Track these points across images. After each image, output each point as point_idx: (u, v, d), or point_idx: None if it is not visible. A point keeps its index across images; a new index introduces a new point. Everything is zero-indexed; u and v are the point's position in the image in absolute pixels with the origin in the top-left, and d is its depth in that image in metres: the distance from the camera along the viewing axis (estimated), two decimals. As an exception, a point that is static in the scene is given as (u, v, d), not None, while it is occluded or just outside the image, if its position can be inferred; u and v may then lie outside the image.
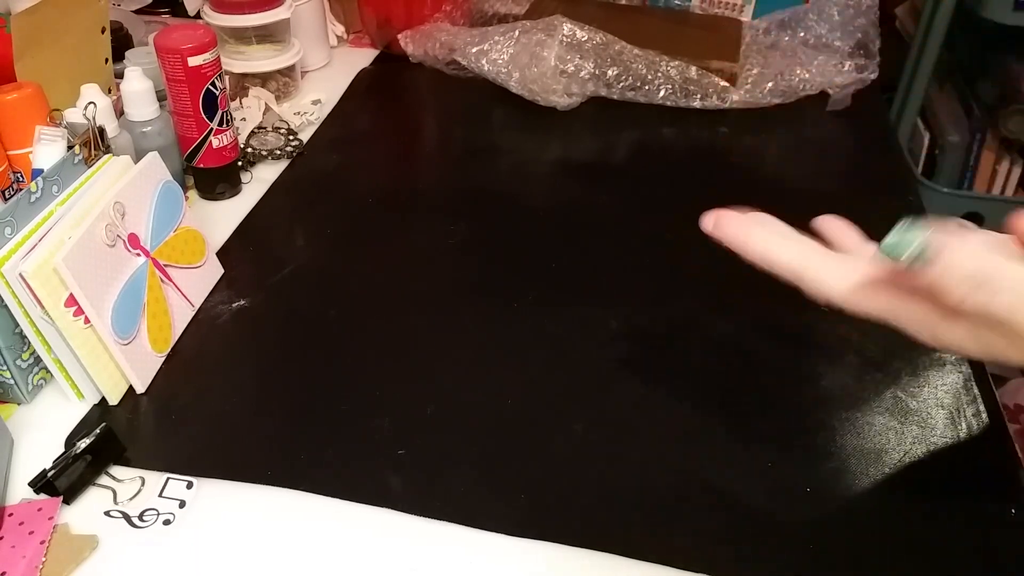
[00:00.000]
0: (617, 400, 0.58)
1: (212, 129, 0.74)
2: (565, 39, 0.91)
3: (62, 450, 0.53)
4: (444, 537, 0.49)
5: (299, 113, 0.91)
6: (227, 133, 0.76)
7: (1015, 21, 1.33)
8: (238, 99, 0.90)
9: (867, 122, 0.93)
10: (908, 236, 0.34)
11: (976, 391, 0.59)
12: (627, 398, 0.59)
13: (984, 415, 0.57)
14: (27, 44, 0.66)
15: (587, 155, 0.87)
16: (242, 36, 0.90)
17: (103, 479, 0.52)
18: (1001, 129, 1.42)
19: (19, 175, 0.65)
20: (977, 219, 1.44)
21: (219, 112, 0.74)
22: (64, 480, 0.50)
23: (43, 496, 0.51)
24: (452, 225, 0.76)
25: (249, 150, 0.83)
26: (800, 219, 0.76)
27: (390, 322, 0.65)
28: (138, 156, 0.64)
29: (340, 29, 1.07)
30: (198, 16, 0.90)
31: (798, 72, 0.93)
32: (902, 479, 0.53)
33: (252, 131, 0.86)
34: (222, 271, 0.69)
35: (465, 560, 0.48)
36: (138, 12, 1.04)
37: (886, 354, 0.62)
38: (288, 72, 0.93)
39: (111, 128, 0.68)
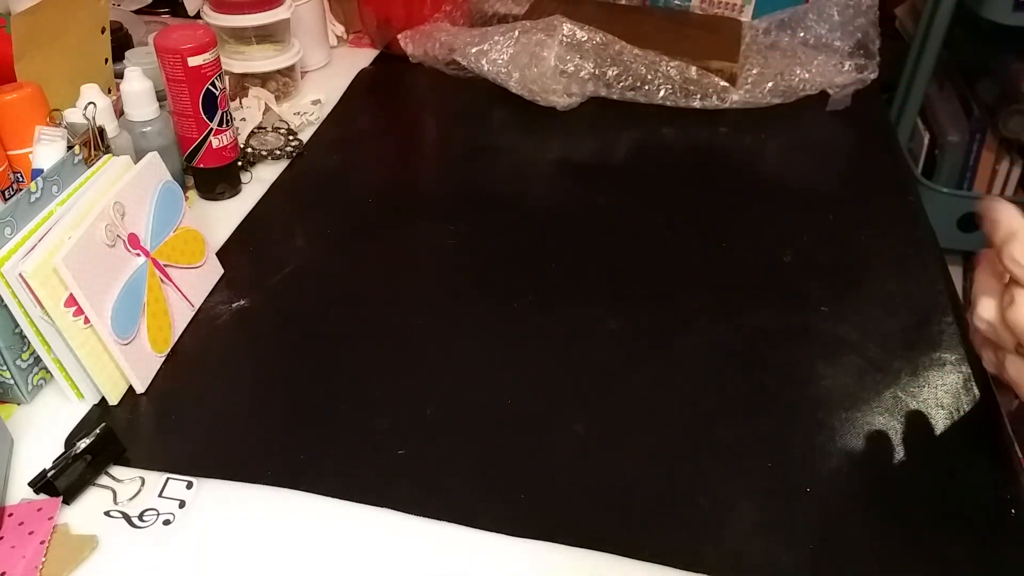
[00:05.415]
0: (617, 400, 0.58)
1: (212, 129, 0.74)
2: (565, 39, 0.91)
3: (62, 450, 0.53)
4: (444, 537, 0.49)
5: (299, 113, 0.91)
6: (227, 133, 0.76)
7: (1015, 21, 1.33)
8: (238, 99, 0.90)
9: (867, 122, 0.93)
10: None
11: (976, 391, 0.59)
12: (627, 398, 0.59)
13: (984, 415, 0.57)
14: (27, 44, 0.66)
15: (587, 155, 0.87)
16: (242, 36, 0.90)
17: (103, 479, 0.52)
18: (1001, 129, 1.42)
19: (19, 175, 0.65)
20: (976, 219, 1.44)
21: (219, 112, 0.74)
22: (64, 480, 0.50)
23: (43, 496, 0.51)
24: (452, 225, 0.76)
25: (249, 150, 0.83)
26: (800, 219, 0.77)
27: (390, 322, 0.65)
28: (138, 156, 0.64)
29: (340, 29, 1.07)
30: (198, 16, 0.90)
31: (798, 72, 0.93)
32: (902, 479, 0.53)
33: (252, 131, 0.86)
34: (222, 271, 0.69)
35: (465, 560, 0.48)
36: (138, 12, 1.04)
37: (886, 354, 0.62)
38: (288, 72, 0.93)
39: (111, 128, 0.68)
